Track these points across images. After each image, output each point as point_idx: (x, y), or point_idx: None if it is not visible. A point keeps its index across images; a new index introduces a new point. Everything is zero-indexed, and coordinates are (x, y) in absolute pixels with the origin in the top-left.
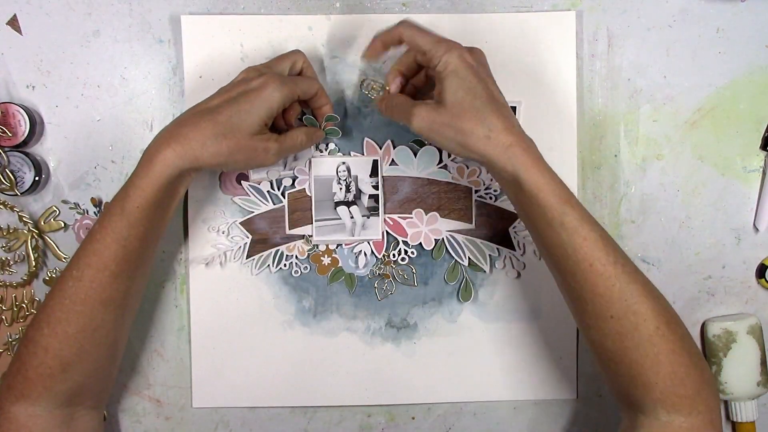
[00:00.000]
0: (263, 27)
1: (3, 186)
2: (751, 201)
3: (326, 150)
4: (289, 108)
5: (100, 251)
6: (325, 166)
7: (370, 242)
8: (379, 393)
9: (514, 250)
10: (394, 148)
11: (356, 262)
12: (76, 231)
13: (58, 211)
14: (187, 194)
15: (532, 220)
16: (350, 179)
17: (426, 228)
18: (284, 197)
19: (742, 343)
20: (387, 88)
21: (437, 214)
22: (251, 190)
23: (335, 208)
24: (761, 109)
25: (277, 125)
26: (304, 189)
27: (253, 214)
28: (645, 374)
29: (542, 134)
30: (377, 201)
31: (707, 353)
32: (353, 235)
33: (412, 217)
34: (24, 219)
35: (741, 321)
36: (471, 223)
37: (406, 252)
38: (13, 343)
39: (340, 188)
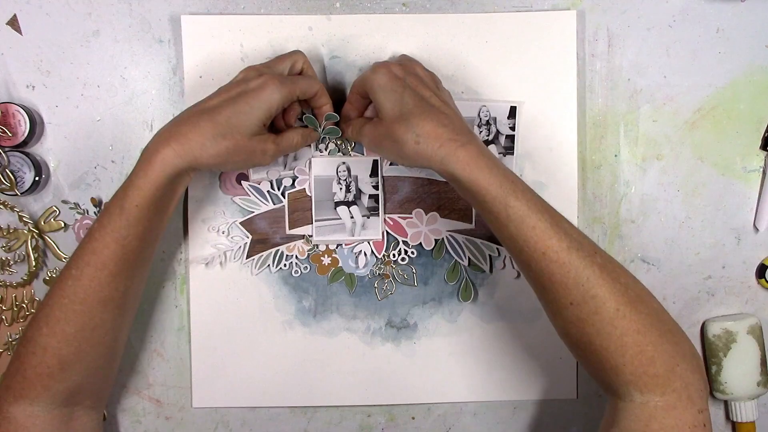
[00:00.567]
0: (263, 27)
1: (3, 186)
2: (751, 201)
3: (326, 150)
4: (289, 108)
5: (99, 250)
6: (325, 166)
7: (370, 242)
8: (378, 393)
9: None
10: None
11: (356, 262)
12: (76, 231)
13: (58, 211)
14: (187, 194)
15: (483, 215)
16: (350, 179)
17: (426, 228)
18: (284, 197)
19: (742, 343)
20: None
21: (437, 214)
22: (251, 190)
23: (335, 208)
24: (761, 109)
25: (276, 125)
26: (304, 189)
27: (253, 214)
28: (612, 358)
29: (542, 134)
30: (377, 201)
31: (707, 353)
32: (353, 235)
33: (412, 217)
34: (24, 219)
35: (741, 321)
36: (471, 223)
37: (406, 252)
38: (13, 343)
39: (340, 188)
